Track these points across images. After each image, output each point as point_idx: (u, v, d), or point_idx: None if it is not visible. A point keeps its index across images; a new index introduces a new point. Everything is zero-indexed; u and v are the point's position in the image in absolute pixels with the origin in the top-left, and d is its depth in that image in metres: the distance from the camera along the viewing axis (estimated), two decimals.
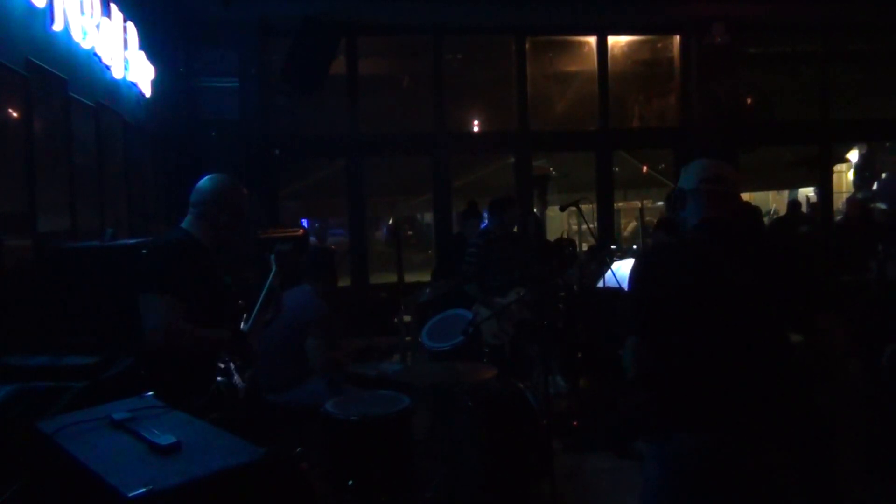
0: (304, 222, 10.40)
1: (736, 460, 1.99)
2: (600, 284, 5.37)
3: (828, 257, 8.45)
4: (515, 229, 5.63)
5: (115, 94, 5.17)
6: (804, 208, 10.68)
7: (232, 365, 2.72)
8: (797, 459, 2.05)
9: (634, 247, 9.41)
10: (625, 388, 2.22)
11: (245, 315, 2.90)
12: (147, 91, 5.89)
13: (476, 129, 9.59)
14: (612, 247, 7.26)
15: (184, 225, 2.74)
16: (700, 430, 2.02)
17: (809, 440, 2.10)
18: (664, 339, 2.08)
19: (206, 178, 2.79)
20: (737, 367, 2.02)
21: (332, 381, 4.12)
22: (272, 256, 3.05)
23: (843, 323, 2.15)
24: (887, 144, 12.16)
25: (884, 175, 11.33)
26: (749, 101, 8.65)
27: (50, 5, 3.90)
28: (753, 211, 7.66)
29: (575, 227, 11.83)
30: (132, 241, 4.18)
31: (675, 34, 8.86)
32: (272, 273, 2.98)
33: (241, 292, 3.05)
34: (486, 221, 6.12)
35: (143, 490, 1.46)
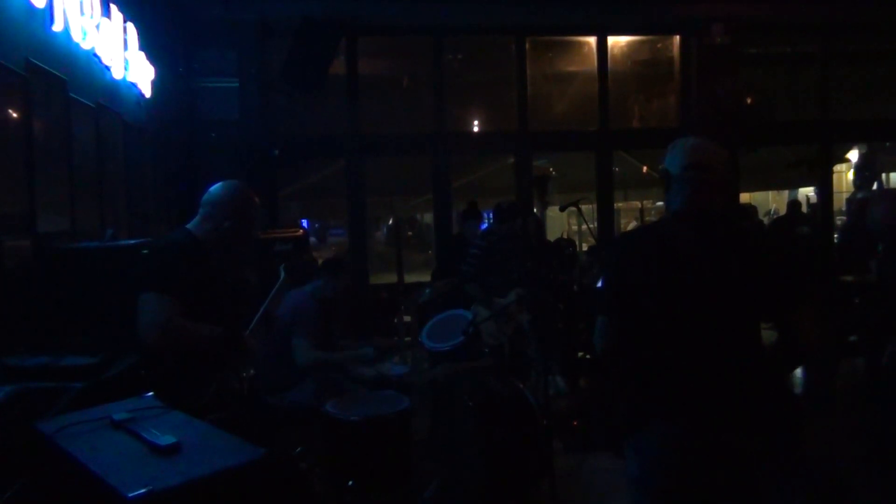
0: (304, 222, 10.41)
1: (709, 447, 2.01)
2: (600, 284, 5.36)
3: (828, 257, 8.46)
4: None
5: (115, 94, 5.17)
6: (804, 208, 10.68)
7: (241, 371, 2.73)
8: (769, 444, 2.08)
9: None
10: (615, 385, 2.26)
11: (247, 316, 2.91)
12: (147, 91, 5.89)
13: (476, 129, 9.58)
14: None
15: (189, 226, 2.75)
16: (673, 418, 2.04)
17: (780, 425, 2.13)
18: (632, 322, 2.10)
19: (220, 183, 2.81)
20: (706, 356, 2.03)
21: (319, 387, 4.07)
22: (282, 266, 3.09)
23: (815, 317, 2.14)
24: (887, 144, 12.16)
25: (876, 186, 11.34)
26: (749, 101, 8.64)
27: (50, 5, 3.90)
28: (746, 210, 7.67)
29: (575, 228, 11.85)
30: (132, 241, 4.18)
31: (675, 34, 8.86)
32: (280, 280, 3.02)
33: (243, 293, 3.06)
34: (487, 223, 6.12)
35: (143, 490, 1.46)
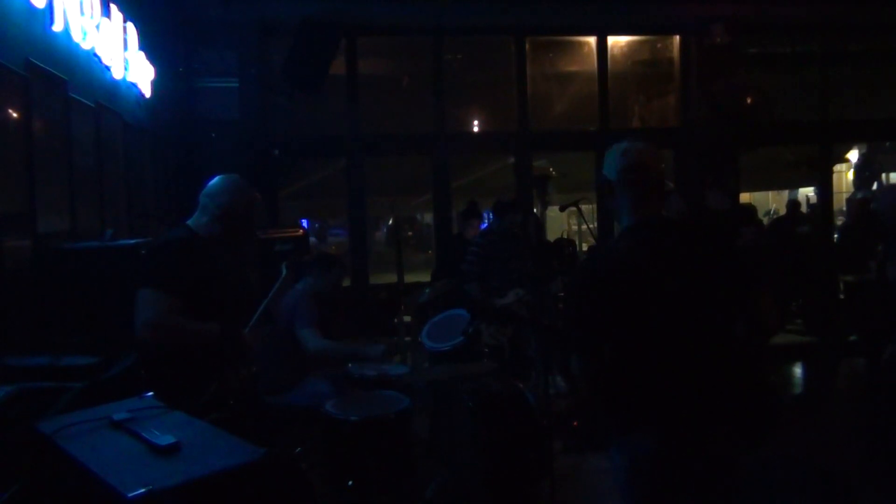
0: (304, 222, 10.41)
1: (692, 449, 2.03)
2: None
3: (829, 257, 8.46)
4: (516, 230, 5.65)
5: (115, 94, 5.17)
6: (804, 208, 10.69)
7: (240, 369, 2.73)
8: (747, 436, 2.09)
9: None
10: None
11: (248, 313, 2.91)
12: (147, 91, 5.89)
13: (476, 129, 9.58)
14: None
15: (188, 222, 2.76)
16: (656, 426, 2.05)
17: (758, 415, 2.13)
18: (609, 350, 2.09)
19: (219, 177, 2.81)
20: (684, 364, 2.05)
21: (335, 380, 4.12)
22: (284, 264, 3.11)
23: (773, 298, 2.18)
24: (887, 144, 12.16)
25: (876, 186, 11.34)
26: (749, 101, 8.63)
27: (50, 6, 3.90)
28: (747, 210, 7.66)
29: (575, 228, 11.85)
30: (132, 241, 4.18)
31: (675, 34, 8.86)
32: (282, 277, 3.03)
33: (243, 291, 3.07)
34: (487, 222, 6.12)
35: (143, 490, 1.46)
